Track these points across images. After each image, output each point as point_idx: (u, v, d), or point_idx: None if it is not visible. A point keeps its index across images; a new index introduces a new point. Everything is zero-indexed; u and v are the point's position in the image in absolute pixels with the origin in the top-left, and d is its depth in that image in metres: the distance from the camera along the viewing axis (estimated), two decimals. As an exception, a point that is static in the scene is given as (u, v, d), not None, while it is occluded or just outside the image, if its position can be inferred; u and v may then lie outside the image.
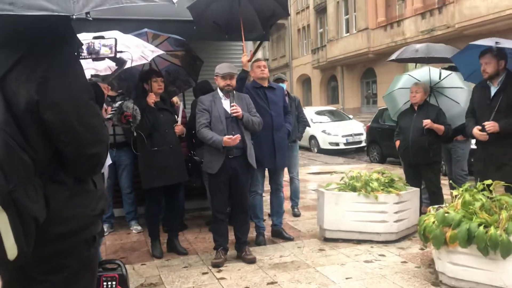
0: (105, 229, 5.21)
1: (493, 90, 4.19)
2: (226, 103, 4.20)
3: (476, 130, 4.21)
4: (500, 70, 4.14)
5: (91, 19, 1.62)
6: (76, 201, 1.55)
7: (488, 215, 3.35)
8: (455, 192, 3.71)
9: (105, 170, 3.01)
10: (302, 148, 13.72)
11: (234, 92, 4.23)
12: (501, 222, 3.22)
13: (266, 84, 4.72)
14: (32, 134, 1.46)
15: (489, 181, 3.57)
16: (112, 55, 1.83)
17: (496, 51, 4.07)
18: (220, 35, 5.16)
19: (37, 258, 1.48)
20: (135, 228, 5.45)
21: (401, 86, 5.81)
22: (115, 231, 5.46)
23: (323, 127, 15.22)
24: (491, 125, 4.07)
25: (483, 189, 3.59)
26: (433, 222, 3.51)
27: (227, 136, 3.99)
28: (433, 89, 5.54)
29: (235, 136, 3.99)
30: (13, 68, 1.46)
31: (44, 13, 1.32)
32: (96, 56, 1.81)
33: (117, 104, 3.12)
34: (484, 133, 4.12)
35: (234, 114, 4.08)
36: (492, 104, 4.16)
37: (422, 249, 4.37)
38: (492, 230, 3.15)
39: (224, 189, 4.19)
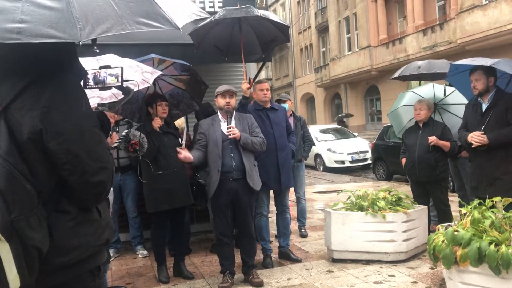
0: (111, 254, 5.17)
1: (484, 107, 4.24)
2: (224, 126, 4.16)
3: (472, 135, 4.16)
4: (490, 86, 4.19)
5: (97, 51, 1.63)
6: (80, 230, 1.53)
7: (498, 233, 3.30)
8: (464, 210, 3.66)
9: (110, 195, 3.00)
10: (307, 166, 13.67)
11: (235, 112, 4.23)
12: (512, 240, 3.16)
13: (268, 105, 4.73)
14: (35, 163, 1.45)
15: (498, 198, 3.53)
16: (119, 84, 1.83)
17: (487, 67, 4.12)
18: (220, 58, 5.20)
19: None
20: (141, 252, 5.40)
21: (406, 103, 5.81)
22: (121, 256, 5.41)
23: (328, 145, 15.19)
24: (479, 138, 4.07)
25: (492, 206, 3.54)
26: (443, 241, 3.45)
27: (182, 151, 3.96)
28: (437, 105, 5.54)
29: (186, 155, 3.95)
30: (17, 98, 1.47)
31: (52, 41, 1.32)
32: (102, 85, 1.81)
33: (123, 133, 3.12)
34: (484, 136, 4.08)
35: (231, 136, 4.06)
36: (482, 120, 4.19)
37: (432, 268, 4.30)
38: (503, 248, 3.09)
39: (227, 212, 4.15)
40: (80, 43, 1.37)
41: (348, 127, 22.87)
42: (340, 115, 24.79)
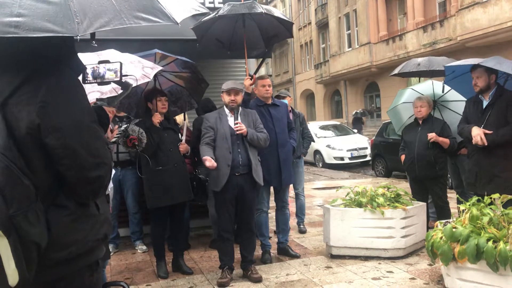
0: (110, 249, 5.17)
1: (485, 104, 4.26)
2: (231, 121, 4.20)
3: (479, 133, 4.13)
4: (491, 84, 4.21)
5: (96, 45, 1.63)
6: (78, 225, 1.53)
7: (496, 230, 3.31)
8: (462, 207, 3.67)
9: (110, 190, 3.00)
10: (306, 163, 13.69)
11: (240, 108, 4.24)
12: (510, 237, 3.17)
13: (269, 101, 4.73)
14: (33, 158, 1.45)
15: (496, 195, 3.54)
16: (117, 79, 1.83)
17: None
18: (222, 52, 5.19)
19: (38, 285, 1.45)
20: (140, 248, 5.41)
21: (405, 101, 5.81)
22: (120, 251, 5.42)
23: (328, 141, 15.20)
24: (483, 141, 4.07)
25: (491, 203, 3.55)
26: (441, 238, 3.46)
27: (208, 158, 3.97)
28: (436, 102, 5.54)
29: (212, 163, 3.95)
30: (14, 93, 1.46)
31: (49, 35, 1.32)
32: (101, 80, 1.81)
33: (122, 128, 3.12)
34: (485, 139, 4.08)
35: (238, 132, 4.08)
36: (483, 117, 4.21)
37: (430, 264, 4.32)
38: (501, 245, 3.10)
39: (231, 207, 4.17)
40: (78, 37, 1.37)
41: (364, 124, 22.30)
42: (357, 111, 22.29)
